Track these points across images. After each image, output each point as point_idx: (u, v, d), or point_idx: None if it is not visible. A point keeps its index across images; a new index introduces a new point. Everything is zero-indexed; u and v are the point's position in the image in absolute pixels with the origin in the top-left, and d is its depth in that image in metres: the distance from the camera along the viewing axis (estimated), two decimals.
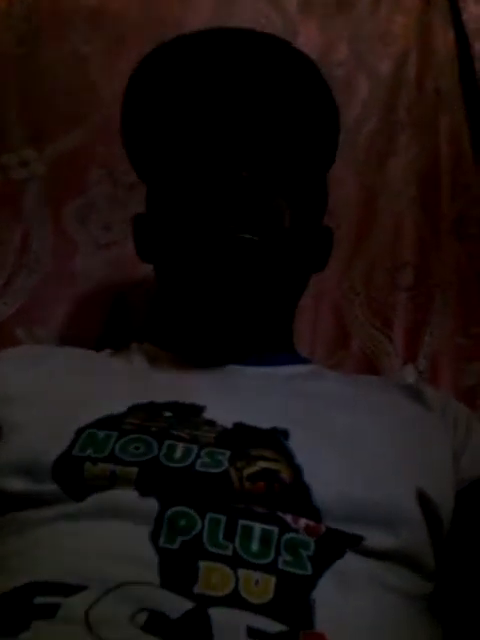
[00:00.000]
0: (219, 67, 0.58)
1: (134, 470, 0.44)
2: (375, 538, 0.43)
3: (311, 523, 0.42)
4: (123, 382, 0.55)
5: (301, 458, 0.45)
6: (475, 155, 1.05)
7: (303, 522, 0.42)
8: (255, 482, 0.43)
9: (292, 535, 0.41)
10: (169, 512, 0.41)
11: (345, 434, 0.50)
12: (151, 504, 0.42)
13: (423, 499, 0.47)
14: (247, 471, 0.44)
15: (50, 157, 0.89)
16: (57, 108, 0.92)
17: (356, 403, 0.55)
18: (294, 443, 0.47)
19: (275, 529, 0.41)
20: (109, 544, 0.40)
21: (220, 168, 0.54)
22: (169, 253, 0.58)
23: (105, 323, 0.81)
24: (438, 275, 0.93)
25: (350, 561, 0.42)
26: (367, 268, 0.91)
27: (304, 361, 0.65)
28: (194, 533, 0.40)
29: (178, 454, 0.45)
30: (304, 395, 0.55)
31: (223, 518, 0.41)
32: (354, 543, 0.43)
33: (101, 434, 0.46)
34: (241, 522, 0.41)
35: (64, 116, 0.92)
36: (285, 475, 0.44)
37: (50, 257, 0.83)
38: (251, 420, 0.49)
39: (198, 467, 0.44)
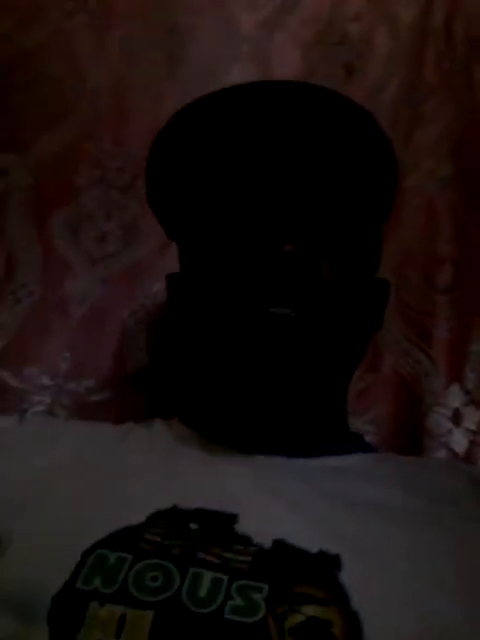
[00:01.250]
0: (261, 123, 0.51)
1: (149, 615, 0.36)
2: None
3: None
4: (142, 477, 0.46)
5: (358, 600, 0.37)
6: None
7: None
8: (300, 638, 0.35)
9: None
10: None
11: (408, 569, 0.40)
12: None
13: None
14: (290, 622, 0.35)
15: (32, 162, 0.77)
16: (36, 99, 0.80)
17: (419, 522, 0.45)
18: (348, 576, 0.38)
19: None
20: None
21: (260, 240, 0.48)
22: (205, 332, 0.51)
23: (112, 357, 0.71)
24: None
25: None
26: (396, 267, 0.79)
27: (356, 447, 0.55)
28: None
29: (204, 591, 0.37)
30: (358, 503, 0.45)
31: None
32: None
33: (112, 557, 0.39)
34: None
35: (46, 109, 0.80)
36: (338, 629, 0.35)
37: (38, 282, 0.72)
38: (294, 536, 0.40)
39: (228, 614, 0.36)
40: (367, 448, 0.56)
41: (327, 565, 0.38)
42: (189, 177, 0.54)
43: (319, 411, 0.52)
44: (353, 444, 0.55)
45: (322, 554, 0.39)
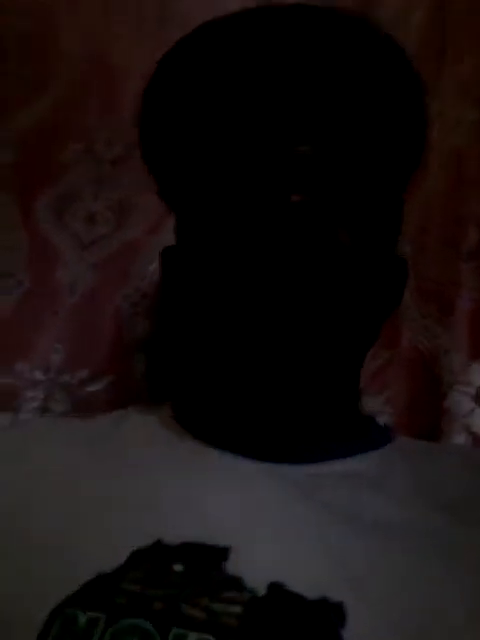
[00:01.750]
0: (268, 54, 0.44)
1: None
2: None
3: None
4: (124, 502, 0.41)
5: None
6: None
7: None
8: None
9: None
10: None
11: (422, 619, 0.35)
12: None
13: None
14: None
15: (12, 137, 0.72)
16: (8, 63, 0.74)
17: (436, 552, 0.39)
18: (351, 630, 0.33)
19: None
20: None
21: (263, 191, 0.42)
22: (203, 308, 0.45)
23: (108, 345, 0.67)
24: None
25: None
26: (416, 230, 0.71)
27: (367, 440, 0.48)
28: None
29: None
30: (367, 525, 0.40)
31: None
32: None
33: (83, 619, 0.34)
34: None
35: (24, 78, 0.74)
36: None
37: (26, 270, 0.69)
38: (293, 575, 0.35)
39: None
40: (380, 437, 0.50)
41: (328, 618, 0.34)
42: (187, 117, 0.47)
43: (329, 404, 0.46)
44: (365, 437, 0.49)
45: (323, 603, 0.34)
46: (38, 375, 0.66)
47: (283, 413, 0.44)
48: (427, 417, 0.65)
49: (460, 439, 0.63)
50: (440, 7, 0.81)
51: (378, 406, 0.67)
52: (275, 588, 0.35)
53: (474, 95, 0.79)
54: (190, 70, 0.46)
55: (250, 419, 0.44)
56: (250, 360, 0.42)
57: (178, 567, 0.37)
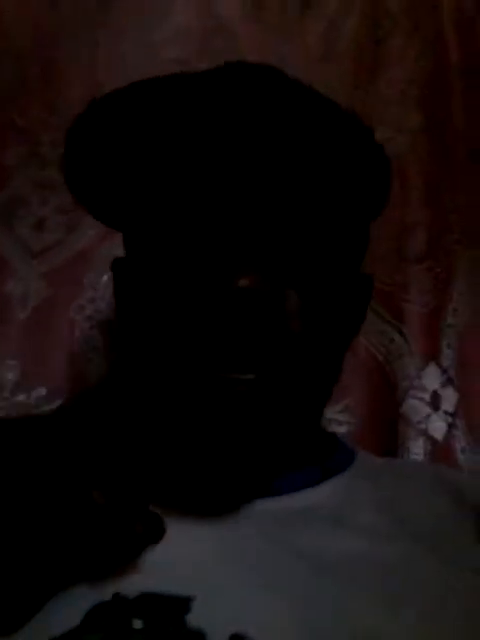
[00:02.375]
0: (208, 118, 0.40)
1: None
2: None
3: None
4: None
5: None
6: None
7: None
8: None
9: None
10: None
11: None
12: None
13: None
14: None
15: None
16: None
17: (401, 590, 0.39)
18: None
19: None
20: None
21: (208, 273, 0.39)
22: (143, 370, 0.43)
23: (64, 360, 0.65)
24: (457, 229, 0.75)
25: None
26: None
27: (330, 467, 0.48)
28: None
29: None
30: (329, 568, 0.39)
31: None
32: None
33: None
34: None
35: None
36: None
37: None
38: (256, 627, 0.34)
39: None
40: (343, 458, 0.50)
41: None
42: (121, 180, 0.44)
43: (291, 445, 0.45)
44: (327, 461, 0.48)
45: None
46: None
47: (241, 457, 0.42)
48: (386, 424, 0.67)
49: (418, 444, 0.65)
50: (374, 10, 0.82)
51: (337, 415, 0.68)
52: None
53: (414, 98, 0.81)
54: (121, 123, 0.42)
55: (204, 464, 0.43)
56: (205, 439, 0.40)
57: (137, 624, 0.35)
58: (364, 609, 0.37)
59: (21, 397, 0.64)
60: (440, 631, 0.37)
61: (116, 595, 0.36)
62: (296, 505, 0.44)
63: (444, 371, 0.69)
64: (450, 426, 0.67)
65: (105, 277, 0.69)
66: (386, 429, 0.66)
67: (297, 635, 0.35)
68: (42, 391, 0.64)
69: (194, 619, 0.35)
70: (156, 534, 0.38)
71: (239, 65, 0.41)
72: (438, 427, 0.66)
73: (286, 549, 0.40)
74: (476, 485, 0.49)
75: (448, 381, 0.68)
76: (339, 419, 0.67)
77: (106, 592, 0.36)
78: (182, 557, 0.38)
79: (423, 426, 0.66)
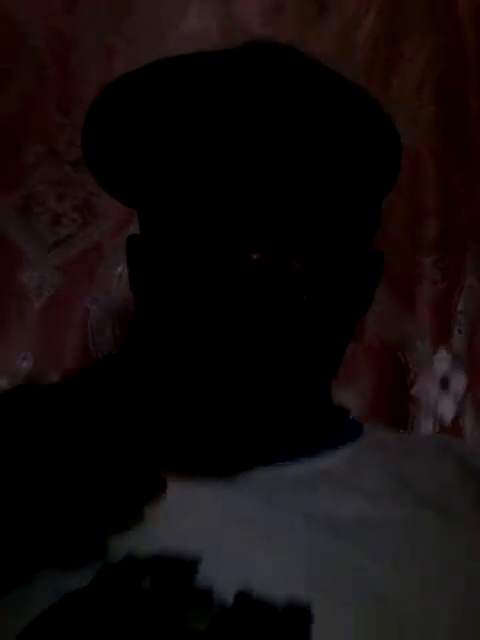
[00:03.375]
0: (223, 96, 0.42)
1: None
2: None
3: None
4: None
5: None
6: None
7: None
8: None
9: None
10: None
11: (390, 619, 0.35)
12: None
13: None
14: None
15: None
16: None
17: (405, 548, 0.39)
18: (318, 628, 0.33)
19: None
20: None
21: (222, 246, 0.40)
22: (164, 320, 0.44)
23: (78, 351, 0.67)
24: (470, 218, 0.75)
25: None
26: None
27: (336, 437, 0.48)
28: None
29: None
30: (335, 526, 0.39)
31: None
32: None
33: None
34: None
35: None
36: None
37: None
38: (261, 582, 0.35)
39: None
40: (352, 430, 0.51)
41: (296, 621, 0.34)
42: (140, 151, 0.46)
43: (299, 409, 0.45)
44: (336, 432, 0.49)
45: (291, 607, 0.34)
46: (4, 384, 0.65)
47: (249, 421, 0.42)
48: (396, 405, 0.67)
49: (428, 425, 0.65)
50: (391, 9, 0.84)
51: (348, 398, 0.68)
52: (242, 597, 0.35)
53: (429, 92, 0.82)
54: (147, 100, 0.44)
55: (214, 427, 0.43)
56: (218, 400, 0.41)
57: (147, 583, 0.36)
58: (369, 565, 0.37)
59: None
60: (442, 583, 0.37)
61: (126, 557, 0.37)
62: (304, 472, 0.44)
63: (454, 356, 0.68)
64: (459, 408, 0.66)
65: (119, 269, 0.71)
66: (397, 410, 0.67)
67: (303, 590, 0.35)
68: (55, 379, 0.66)
69: (202, 579, 0.36)
70: (156, 488, 0.39)
71: (254, 45, 0.43)
72: (447, 408, 0.66)
73: (293, 512, 0.41)
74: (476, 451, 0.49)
75: (458, 365, 0.68)
76: (352, 402, 0.66)
77: (116, 555, 0.37)
78: (192, 520, 0.39)
79: (433, 407, 0.66)
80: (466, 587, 0.38)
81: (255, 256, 0.38)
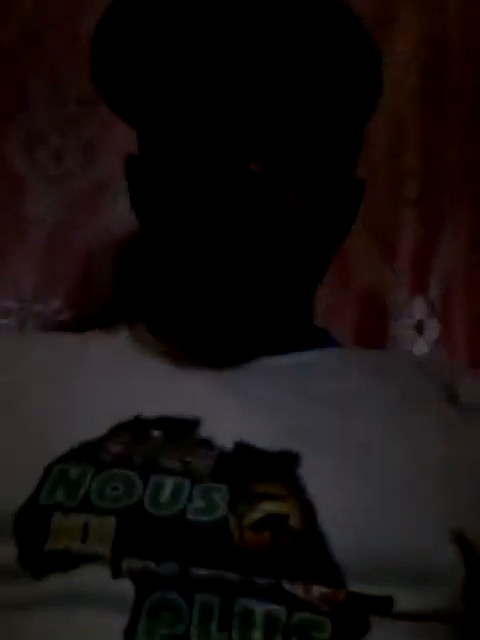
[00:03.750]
0: (222, 16, 0.45)
1: (111, 521, 0.37)
2: (406, 598, 0.37)
3: (327, 591, 0.35)
4: (105, 390, 0.46)
5: (313, 490, 0.38)
6: None
7: (317, 591, 0.35)
8: (258, 532, 0.36)
9: (303, 615, 0.35)
10: (149, 601, 0.34)
11: (366, 459, 0.42)
12: (125, 589, 0.35)
13: (460, 540, 0.40)
14: (249, 518, 0.37)
15: None
16: None
17: (378, 411, 0.46)
18: (306, 471, 0.39)
19: (282, 609, 0.34)
20: None
21: (223, 158, 0.44)
22: (164, 230, 0.48)
23: (76, 282, 0.70)
24: (447, 180, 0.80)
25: (378, 635, 0.35)
26: (365, 181, 0.78)
27: (320, 342, 0.54)
28: (181, 629, 0.33)
29: (166, 495, 0.38)
30: (318, 398, 0.46)
31: (217, 601, 0.34)
32: (382, 608, 0.36)
33: (74, 471, 0.39)
34: (239, 603, 0.34)
35: None
36: (295, 520, 0.37)
37: None
38: (256, 436, 0.41)
39: (190, 515, 0.37)
40: (333, 343, 0.57)
41: (287, 462, 0.40)
42: (144, 64, 0.48)
43: (286, 311, 0.50)
44: (320, 340, 0.55)
45: (282, 453, 0.40)
46: (11, 303, 0.68)
47: (243, 317, 0.48)
48: (376, 344, 0.72)
49: None
50: None
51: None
52: (240, 445, 0.41)
53: (418, 62, 0.87)
54: (152, 13, 0.47)
55: (213, 330, 0.49)
56: (214, 283, 0.46)
57: (156, 433, 0.42)
58: (349, 426, 0.44)
59: (39, 307, 0.69)
60: (406, 436, 0.45)
61: (136, 417, 0.43)
62: (293, 362, 0.50)
63: (430, 304, 0.74)
64: (432, 352, 0.72)
65: (119, 207, 0.74)
66: (376, 347, 0.71)
67: (292, 443, 0.41)
68: (57, 303, 0.69)
69: (203, 432, 0.42)
70: None
71: None
72: (422, 350, 0.71)
73: (284, 388, 0.47)
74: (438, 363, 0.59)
75: (433, 313, 0.74)
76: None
77: (124, 416, 0.43)
78: (192, 392, 0.45)
79: (409, 348, 0.71)
80: (422, 441, 0.45)
81: (253, 166, 0.43)
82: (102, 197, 0.73)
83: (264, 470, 0.40)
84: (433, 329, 0.73)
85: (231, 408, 0.44)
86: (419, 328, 0.73)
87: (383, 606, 0.36)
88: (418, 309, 0.74)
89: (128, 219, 0.70)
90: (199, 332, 0.49)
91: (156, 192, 0.48)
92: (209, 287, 0.45)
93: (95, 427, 0.42)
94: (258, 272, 0.45)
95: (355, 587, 0.36)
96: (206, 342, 0.49)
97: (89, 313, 0.69)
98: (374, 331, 0.74)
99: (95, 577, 0.35)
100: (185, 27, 0.46)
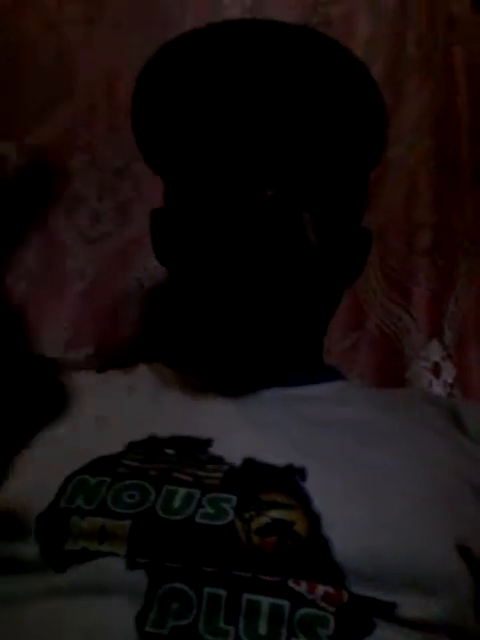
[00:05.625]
0: (243, 62, 0.51)
1: (126, 524, 0.39)
2: (410, 605, 0.37)
3: (331, 590, 0.36)
4: (124, 414, 0.50)
5: (319, 503, 0.40)
6: None
7: (321, 590, 0.36)
8: (265, 536, 0.38)
9: (307, 610, 0.36)
10: (161, 590, 0.36)
11: (371, 474, 0.44)
12: (139, 579, 0.37)
13: (465, 553, 0.41)
14: (256, 523, 0.39)
15: (28, 149, 0.82)
16: (32, 90, 0.84)
17: (385, 435, 0.48)
18: (312, 484, 0.41)
19: (286, 604, 0.36)
20: (89, 629, 0.36)
21: (242, 184, 0.48)
22: (185, 270, 0.52)
23: (107, 332, 0.76)
24: (460, 233, 0.85)
25: (381, 636, 0.36)
26: (380, 233, 0.82)
27: (330, 376, 0.58)
28: (189, 618, 0.35)
29: (177, 502, 0.40)
30: (327, 424, 0.48)
31: (224, 594, 0.36)
32: (385, 612, 0.37)
33: (93, 481, 0.42)
34: (246, 597, 0.36)
35: (41, 99, 0.84)
36: (300, 527, 0.38)
37: (37, 259, 0.77)
38: (264, 455, 0.43)
39: (199, 519, 0.39)
40: (341, 377, 0.60)
41: (293, 476, 0.42)
42: (170, 116, 0.54)
43: (296, 349, 0.53)
44: (328, 374, 0.58)
45: (289, 467, 0.42)
46: (48, 351, 0.74)
47: (258, 353, 0.51)
48: (392, 386, 0.75)
49: None
50: (395, 57, 0.96)
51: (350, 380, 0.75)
52: (249, 461, 0.43)
53: (427, 126, 0.93)
54: (172, 75, 0.54)
55: (230, 358, 0.52)
56: (231, 316, 0.49)
57: (170, 451, 0.45)
58: (353, 447, 0.46)
59: (72, 354, 0.74)
60: (410, 459, 0.46)
61: (151, 437, 0.46)
62: (302, 393, 0.53)
63: (445, 347, 0.76)
64: (448, 394, 0.74)
65: (149, 263, 0.80)
66: None
67: (295, 458, 0.43)
68: (90, 349, 0.74)
69: (214, 451, 0.44)
70: None
71: (255, 21, 0.54)
72: (438, 393, 0.74)
73: (291, 416, 0.49)
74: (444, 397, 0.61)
75: (448, 356, 0.76)
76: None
77: (139, 436, 0.46)
78: (205, 416, 0.48)
79: (426, 390, 0.73)
80: (429, 461, 0.46)
81: (269, 192, 0.47)
82: (134, 254, 0.80)
83: (271, 482, 0.42)
84: (448, 372, 0.75)
85: (242, 431, 0.46)
86: (436, 371, 0.75)
87: (386, 609, 0.37)
88: (434, 352, 0.76)
89: (157, 272, 0.77)
90: (220, 359, 0.52)
91: (180, 227, 0.53)
92: (232, 311, 0.48)
93: (113, 445, 0.45)
94: (279, 294, 0.48)
95: (357, 590, 0.37)
96: (225, 369, 0.52)
97: (116, 359, 0.74)
98: (391, 373, 0.76)
99: (111, 568, 0.38)
100: (210, 82, 0.52)
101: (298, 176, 0.49)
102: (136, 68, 0.86)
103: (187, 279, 0.53)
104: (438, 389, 0.74)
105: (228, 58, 0.51)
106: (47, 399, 0.53)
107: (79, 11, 0.90)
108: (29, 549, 0.40)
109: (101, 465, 0.43)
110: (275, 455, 0.43)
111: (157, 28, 0.88)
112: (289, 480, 0.42)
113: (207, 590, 0.36)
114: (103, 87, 0.87)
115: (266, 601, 0.36)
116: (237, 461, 0.43)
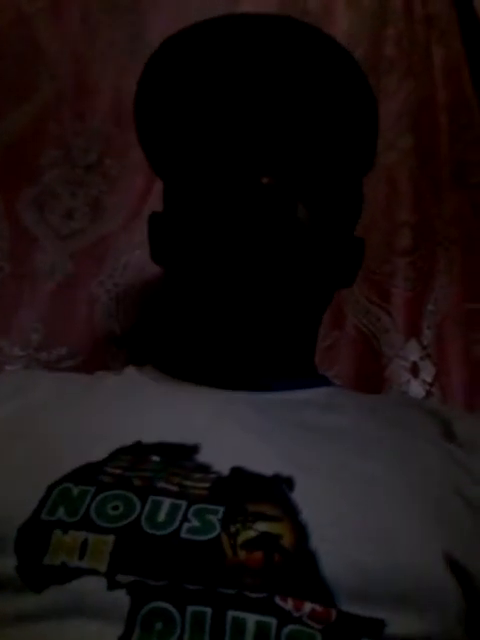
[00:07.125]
0: (242, 56, 0.52)
1: (110, 539, 0.38)
2: (399, 622, 0.36)
3: (318, 608, 0.35)
4: (108, 417, 0.48)
5: (307, 514, 0.39)
6: (475, 89, 0.94)
7: (308, 607, 0.35)
8: (251, 551, 0.37)
9: (294, 627, 0.34)
10: (143, 610, 0.35)
11: (360, 483, 0.42)
12: (121, 599, 0.35)
13: (454, 567, 0.40)
14: (242, 537, 0.37)
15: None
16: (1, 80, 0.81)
17: (375, 443, 0.47)
18: (299, 494, 0.40)
19: (273, 621, 0.34)
20: None
21: (238, 172, 0.49)
22: (182, 262, 0.53)
23: (82, 325, 0.73)
24: (440, 233, 0.84)
25: None
26: (362, 232, 0.81)
27: (319, 382, 0.57)
28: (173, 638, 0.34)
29: (162, 515, 0.38)
30: (316, 430, 0.47)
31: (209, 612, 0.34)
32: (373, 631, 0.35)
33: (76, 490, 0.40)
34: (231, 614, 0.34)
35: (9, 90, 0.81)
36: (287, 541, 0.37)
37: (7, 257, 0.74)
38: (252, 463, 0.42)
39: (184, 534, 0.37)
40: (330, 382, 0.60)
41: (280, 486, 0.41)
42: (171, 110, 0.55)
43: (289, 350, 0.53)
44: (318, 380, 0.57)
45: (276, 477, 0.41)
46: (17, 351, 0.71)
47: (249, 353, 0.51)
48: (371, 386, 0.74)
49: None
50: (374, 56, 0.95)
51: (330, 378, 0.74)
52: (237, 470, 0.42)
53: (406, 125, 0.92)
54: (173, 71, 0.55)
55: (221, 358, 0.52)
56: (223, 316, 0.49)
57: (155, 458, 0.43)
58: (343, 455, 0.45)
59: (43, 354, 0.71)
60: (400, 467, 0.45)
61: (137, 442, 0.44)
62: (292, 397, 0.52)
63: (424, 347, 0.76)
64: (427, 392, 0.73)
65: (123, 260, 0.78)
66: (371, 390, 0.73)
67: (284, 466, 0.42)
68: (63, 350, 0.72)
69: (201, 458, 0.43)
70: None
71: (259, 16, 0.54)
72: (417, 392, 0.73)
73: (280, 420, 0.48)
74: (434, 403, 0.59)
75: (427, 356, 0.75)
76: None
77: (126, 440, 0.44)
78: (192, 419, 0.47)
79: (404, 389, 0.73)
80: (417, 470, 0.45)
81: (265, 180, 0.47)
82: (107, 251, 0.77)
83: (259, 492, 0.40)
84: (427, 371, 0.75)
85: (229, 436, 0.45)
86: (414, 370, 0.75)
87: (374, 628, 0.36)
88: (412, 352, 0.75)
89: (131, 270, 0.75)
90: (213, 355, 0.52)
91: (178, 219, 0.53)
92: (228, 300, 0.48)
93: (97, 451, 0.43)
94: (273, 281, 0.48)
95: (346, 607, 0.36)
96: (218, 368, 0.52)
97: (94, 361, 0.71)
98: (369, 373, 0.75)
99: (91, 588, 0.36)
100: (209, 74, 0.52)
101: (294, 165, 0.50)
102: (103, 56, 0.85)
103: (184, 272, 0.52)
104: (417, 388, 0.73)
105: (227, 49, 0.52)
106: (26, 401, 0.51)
107: (47, 3, 0.87)
108: (6, 562, 0.38)
109: (84, 473, 0.41)
110: (263, 464, 0.42)
111: (125, 15, 0.86)
112: (276, 490, 0.40)
113: (191, 608, 0.34)
114: (70, 76, 0.84)
115: (252, 618, 0.34)
116: (225, 470, 0.41)
